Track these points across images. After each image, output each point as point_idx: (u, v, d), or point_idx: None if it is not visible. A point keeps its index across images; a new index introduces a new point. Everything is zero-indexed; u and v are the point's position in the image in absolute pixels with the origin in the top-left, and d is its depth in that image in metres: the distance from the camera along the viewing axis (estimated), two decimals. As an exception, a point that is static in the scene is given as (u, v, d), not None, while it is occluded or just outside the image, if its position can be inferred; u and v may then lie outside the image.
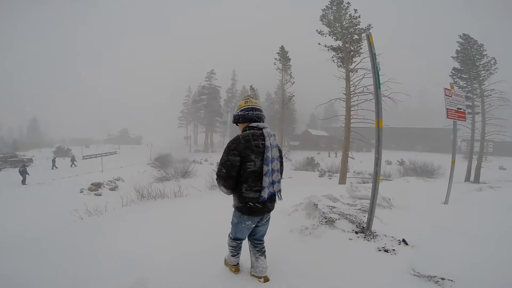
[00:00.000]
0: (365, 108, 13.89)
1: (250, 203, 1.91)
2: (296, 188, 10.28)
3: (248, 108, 2.04)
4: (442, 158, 26.41)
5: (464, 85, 17.77)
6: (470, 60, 17.52)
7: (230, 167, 1.87)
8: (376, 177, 2.72)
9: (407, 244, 2.59)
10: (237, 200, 1.97)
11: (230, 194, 2.00)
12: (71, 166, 25.09)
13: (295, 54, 24.41)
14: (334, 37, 15.29)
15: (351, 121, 14.49)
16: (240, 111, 2.06)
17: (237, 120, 2.07)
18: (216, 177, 1.95)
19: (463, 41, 18.19)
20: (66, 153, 34.89)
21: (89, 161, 27.63)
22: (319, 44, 15.36)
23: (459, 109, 4.68)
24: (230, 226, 2.18)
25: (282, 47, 23.26)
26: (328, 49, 15.44)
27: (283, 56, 22.95)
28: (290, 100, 23.30)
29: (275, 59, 22.92)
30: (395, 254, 2.41)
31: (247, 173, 1.89)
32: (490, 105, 16.62)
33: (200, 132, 53.98)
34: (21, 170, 16.85)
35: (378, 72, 2.69)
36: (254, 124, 2.02)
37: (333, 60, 15.48)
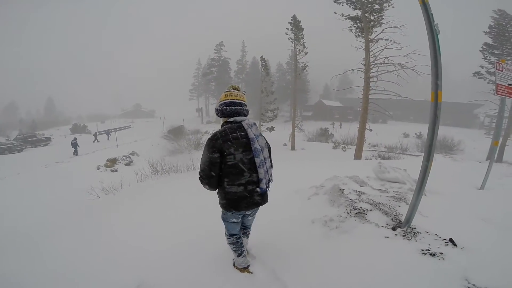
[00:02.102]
0: (385, 79, 13.28)
1: (234, 195, 1.85)
2: (312, 162, 9.94)
3: (226, 102, 1.92)
4: (463, 133, 25.05)
5: (497, 60, 16.48)
6: (505, 36, 16.41)
7: (212, 165, 1.82)
8: (428, 164, 2.26)
9: (455, 245, 2.19)
10: (220, 197, 1.94)
11: (215, 190, 1.97)
12: (108, 139, 26.86)
13: (308, 24, 22.67)
14: (352, 6, 14.30)
15: (370, 92, 13.68)
16: (219, 105, 1.95)
17: (216, 114, 1.98)
18: (199, 176, 1.90)
19: (497, 16, 16.92)
20: (83, 130, 35.59)
21: (105, 136, 28.03)
22: (335, 13, 14.36)
23: (510, 85, 4.02)
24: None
25: (294, 16, 21.65)
26: (346, 19, 14.58)
27: (295, 25, 21.39)
28: (303, 71, 22.15)
29: (287, 28, 21.48)
30: (443, 259, 2.03)
31: (227, 167, 1.83)
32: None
33: (211, 104, 53.70)
34: (73, 142, 19.05)
35: (437, 36, 2.10)
36: (232, 119, 1.92)
37: (351, 30, 14.74)
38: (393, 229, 2.49)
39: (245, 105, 1.99)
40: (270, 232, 2.94)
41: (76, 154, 18.61)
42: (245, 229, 2.32)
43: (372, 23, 13.78)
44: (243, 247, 2.18)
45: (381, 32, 13.30)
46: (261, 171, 1.85)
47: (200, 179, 1.90)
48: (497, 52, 16.58)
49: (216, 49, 46.81)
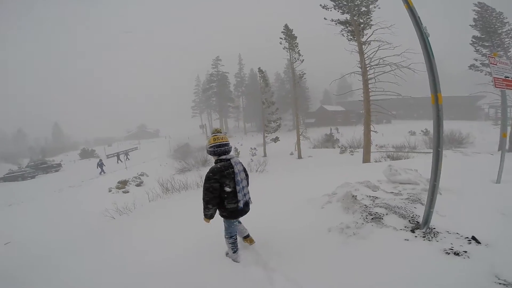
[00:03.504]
0: (383, 80, 13.29)
1: (230, 210, 2.62)
2: (320, 170, 9.87)
3: (216, 145, 2.63)
4: (469, 125, 24.67)
5: (488, 52, 16.61)
6: (491, 28, 16.44)
7: (214, 190, 2.52)
8: (437, 163, 2.26)
9: (479, 242, 2.15)
10: (222, 210, 2.67)
11: (215, 211, 2.62)
12: (125, 159, 27.95)
13: (301, 31, 23.04)
14: (340, 11, 14.51)
15: (370, 94, 13.70)
16: (209, 147, 2.65)
17: (209, 154, 2.71)
18: (203, 200, 2.55)
19: (479, 9, 16.99)
20: (91, 154, 36.17)
21: (114, 159, 28.43)
22: (325, 19, 14.64)
23: (507, 77, 4.04)
24: (224, 231, 2.82)
25: (286, 26, 22.05)
26: (336, 24, 14.73)
27: (288, 34, 21.75)
28: (301, 78, 22.36)
29: (281, 38, 21.85)
30: (468, 257, 2.00)
31: (225, 193, 2.57)
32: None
33: (214, 119, 54.11)
34: (99, 163, 21.50)
35: (428, 39, 2.15)
36: (223, 157, 2.63)
37: (343, 34, 14.82)
38: (412, 231, 2.47)
39: (229, 143, 2.70)
40: (289, 243, 2.95)
41: (104, 173, 20.80)
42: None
43: (362, 25, 13.94)
44: (237, 245, 2.84)
45: (372, 34, 13.41)
46: (240, 195, 2.61)
47: (204, 202, 2.55)
48: (487, 44, 16.54)
49: (213, 64, 47.59)
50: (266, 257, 2.89)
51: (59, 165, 28.44)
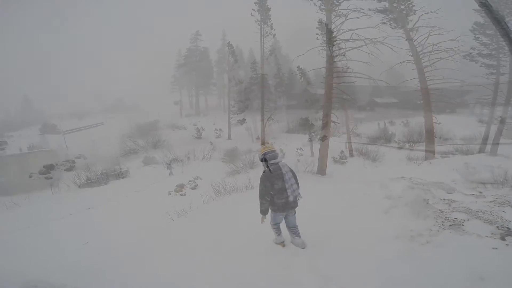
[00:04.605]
0: (441, 67, 12.71)
1: (279, 204, 3.35)
2: (378, 169, 9.23)
3: (266, 152, 3.42)
4: None
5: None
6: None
7: (267, 189, 3.31)
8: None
9: None
10: (272, 205, 3.42)
11: (268, 205, 3.35)
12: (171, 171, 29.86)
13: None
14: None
15: (428, 82, 13.47)
16: (261, 155, 3.48)
17: (262, 161, 3.50)
18: (259, 196, 3.37)
19: None
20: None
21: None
22: (361, 9, 14.32)
23: None
24: (270, 221, 3.63)
25: None
26: (375, 13, 14.81)
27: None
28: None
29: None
30: None
31: (275, 190, 3.35)
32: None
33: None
34: (168, 165, 22.39)
35: (504, 20, 1.89)
36: (273, 161, 3.42)
37: (385, 23, 14.58)
38: (502, 238, 2.17)
39: (275, 150, 3.51)
40: (347, 249, 2.92)
41: (172, 174, 22.44)
42: (293, 229, 3.63)
43: (404, 12, 13.68)
44: (280, 230, 3.68)
45: (418, 20, 13.13)
46: (289, 191, 3.38)
47: (260, 198, 3.38)
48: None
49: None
50: (321, 263, 2.84)
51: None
